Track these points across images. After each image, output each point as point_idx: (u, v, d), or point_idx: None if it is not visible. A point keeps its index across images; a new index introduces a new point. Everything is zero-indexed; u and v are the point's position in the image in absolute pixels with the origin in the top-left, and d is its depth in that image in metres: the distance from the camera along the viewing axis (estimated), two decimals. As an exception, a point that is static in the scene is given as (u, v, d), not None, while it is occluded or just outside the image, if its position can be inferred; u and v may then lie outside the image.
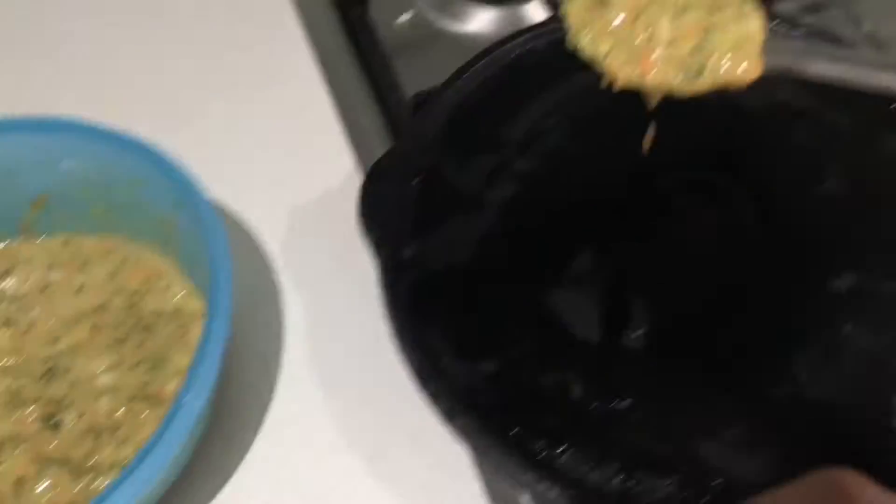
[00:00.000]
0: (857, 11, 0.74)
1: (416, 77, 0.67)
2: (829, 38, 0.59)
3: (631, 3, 0.44)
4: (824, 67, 0.41)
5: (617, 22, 0.44)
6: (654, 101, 0.45)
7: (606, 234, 0.53)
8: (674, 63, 0.43)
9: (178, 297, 0.54)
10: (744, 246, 0.53)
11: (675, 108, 0.45)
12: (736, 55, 0.43)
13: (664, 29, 0.43)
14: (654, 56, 0.43)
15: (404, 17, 0.74)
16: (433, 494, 0.50)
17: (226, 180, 0.63)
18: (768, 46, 0.43)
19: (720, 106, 0.57)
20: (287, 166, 0.64)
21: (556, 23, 0.61)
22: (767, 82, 0.57)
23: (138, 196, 0.52)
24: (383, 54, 0.68)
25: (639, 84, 0.44)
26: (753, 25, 0.44)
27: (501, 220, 0.53)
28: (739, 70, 0.43)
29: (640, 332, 0.49)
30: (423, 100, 0.60)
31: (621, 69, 0.44)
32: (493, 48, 0.61)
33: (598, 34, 0.44)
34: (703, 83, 0.43)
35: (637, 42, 0.44)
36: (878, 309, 0.49)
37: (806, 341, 0.49)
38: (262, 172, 0.64)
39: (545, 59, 0.61)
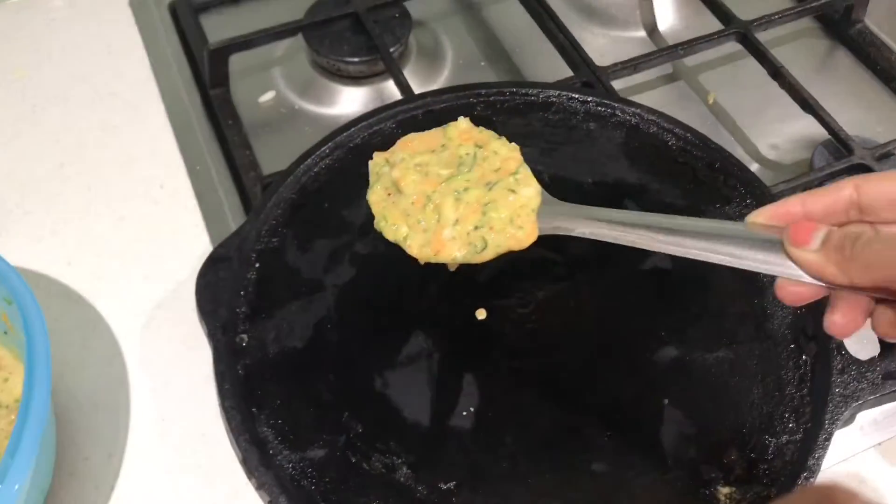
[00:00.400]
0: (702, 83, 0.79)
1: (275, 157, 0.68)
2: (670, 121, 0.63)
3: (420, 188, 0.49)
4: (589, 229, 0.45)
5: (409, 206, 0.49)
6: (452, 268, 0.49)
7: (439, 315, 0.55)
8: (460, 241, 0.48)
9: (19, 386, 0.54)
10: (571, 322, 0.55)
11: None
12: (513, 226, 0.48)
13: (449, 210, 0.48)
14: (444, 235, 0.48)
15: (266, 97, 0.75)
16: (272, 580, 0.50)
17: (81, 266, 0.63)
18: (541, 212, 0.48)
19: (556, 184, 0.60)
20: (143, 248, 0.64)
21: (405, 104, 0.64)
22: (598, 163, 0.61)
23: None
24: (243, 134, 0.69)
25: (436, 260, 0.48)
26: (525, 195, 0.49)
27: (338, 302, 0.55)
28: (516, 239, 0.48)
29: (469, 409, 0.51)
30: (269, 182, 0.62)
31: (420, 250, 0.48)
32: (339, 130, 0.63)
33: (396, 220, 0.49)
34: (487, 254, 0.48)
35: (429, 225, 0.48)
36: (695, 382, 0.52)
37: (625, 417, 0.51)
38: (119, 255, 0.64)
39: (390, 139, 0.63)
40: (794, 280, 0.36)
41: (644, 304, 0.56)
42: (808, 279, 0.36)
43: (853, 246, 0.34)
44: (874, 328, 0.36)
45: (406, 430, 0.50)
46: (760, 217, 0.38)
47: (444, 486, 0.48)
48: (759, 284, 0.55)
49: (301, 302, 0.55)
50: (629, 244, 0.43)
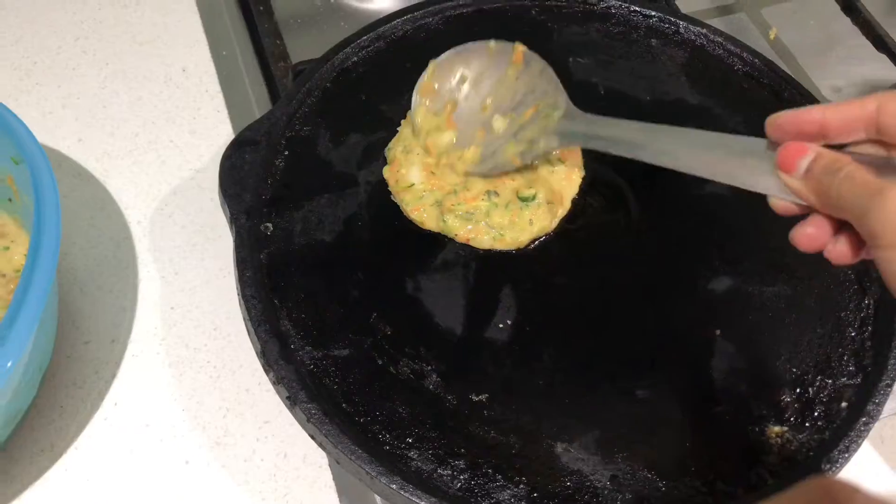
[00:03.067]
0: (763, 17, 0.74)
1: (307, 49, 0.63)
2: (737, 45, 0.58)
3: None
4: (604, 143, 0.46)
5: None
6: None
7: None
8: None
9: (20, 256, 0.50)
10: (624, 244, 0.51)
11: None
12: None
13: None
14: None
15: (302, -13, 0.70)
16: (280, 484, 0.47)
17: (93, 144, 0.59)
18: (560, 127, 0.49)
19: (610, 98, 0.56)
20: (160, 132, 0.60)
21: (454, 0, 0.59)
22: (658, 81, 0.56)
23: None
24: (274, 22, 0.64)
25: None
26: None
27: (370, 200, 0.51)
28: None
29: (507, 322, 0.47)
30: (303, 69, 0.57)
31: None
32: (383, 21, 0.58)
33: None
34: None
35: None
36: (749, 315, 0.48)
37: (674, 345, 0.48)
38: (132, 137, 0.60)
39: (436, 36, 0.58)
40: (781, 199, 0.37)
41: (699, 230, 0.52)
42: (793, 199, 0.36)
43: (831, 179, 0.34)
44: (828, 251, 0.36)
45: (438, 337, 0.46)
46: (779, 119, 0.37)
47: (474, 398, 0.44)
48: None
49: (331, 195, 0.51)
50: (622, 154, 0.44)
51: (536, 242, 0.50)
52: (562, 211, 0.51)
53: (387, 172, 0.52)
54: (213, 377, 0.50)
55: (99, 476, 0.46)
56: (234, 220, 0.48)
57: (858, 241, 0.35)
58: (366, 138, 0.53)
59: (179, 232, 0.55)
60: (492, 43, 0.52)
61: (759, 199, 0.52)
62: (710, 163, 0.40)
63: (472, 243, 0.50)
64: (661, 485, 0.43)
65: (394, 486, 0.40)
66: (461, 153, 0.51)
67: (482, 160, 0.51)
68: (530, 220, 0.50)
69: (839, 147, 0.36)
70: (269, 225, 0.49)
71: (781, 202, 0.37)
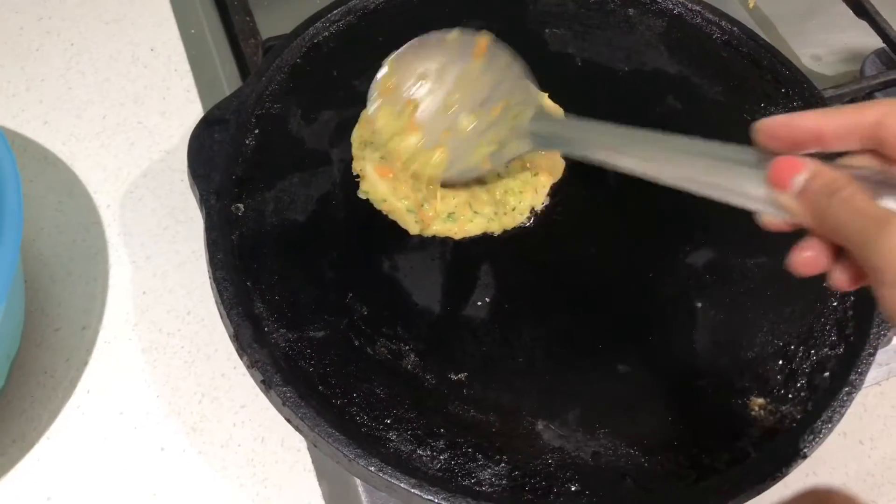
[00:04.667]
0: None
1: (277, 26, 0.61)
2: (716, 13, 0.57)
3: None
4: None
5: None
6: None
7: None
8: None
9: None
10: (603, 219, 0.50)
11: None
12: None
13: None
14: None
15: (271, -39, 0.68)
16: (259, 469, 0.46)
17: (59, 126, 0.57)
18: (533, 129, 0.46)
19: (587, 69, 0.55)
20: (128, 113, 0.58)
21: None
22: (636, 51, 0.55)
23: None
24: (244, -2, 0.63)
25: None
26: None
27: (344, 178, 0.50)
28: None
29: (485, 300, 0.46)
30: (273, 45, 0.56)
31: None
32: (354, -5, 0.57)
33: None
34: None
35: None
36: (730, 287, 0.48)
37: (656, 320, 0.47)
38: (100, 119, 0.58)
39: (409, 9, 0.57)
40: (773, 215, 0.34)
41: (679, 203, 0.50)
42: (784, 216, 0.33)
43: (829, 201, 0.31)
44: (829, 276, 0.33)
45: (415, 316, 0.45)
46: (769, 126, 0.34)
47: (453, 377, 0.44)
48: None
49: (304, 174, 0.49)
50: (600, 162, 0.41)
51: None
52: (547, 181, 0.50)
53: (355, 167, 0.50)
54: (187, 362, 0.49)
55: (72, 465, 0.45)
56: (203, 202, 0.47)
57: (859, 268, 0.32)
58: (338, 115, 0.52)
59: (150, 215, 0.54)
60: (453, 33, 0.49)
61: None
62: (695, 175, 0.37)
63: (459, 236, 0.49)
64: (643, 460, 0.42)
65: (372, 468, 0.40)
66: (428, 157, 0.48)
67: (450, 164, 0.48)
68: (518, 201, 0.49)
69: (831, 156, 0.33)
70: (241, 206, 0.47)
71: (772, 219, 0.35)
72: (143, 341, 0.50)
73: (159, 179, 0.56)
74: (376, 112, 0.49)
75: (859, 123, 0.32)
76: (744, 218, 0.50)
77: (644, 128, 0.39)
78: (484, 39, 0.48)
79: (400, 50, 0.49)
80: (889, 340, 0.49)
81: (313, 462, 0.46)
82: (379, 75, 0.49)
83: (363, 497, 0.45)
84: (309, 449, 0.47)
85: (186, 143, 0.50)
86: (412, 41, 0.50)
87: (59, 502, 0.44)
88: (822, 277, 0.47)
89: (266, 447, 0.47)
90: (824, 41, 0.68)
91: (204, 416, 0.47)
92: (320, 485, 0.46)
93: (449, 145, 0.48)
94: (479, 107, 0.48)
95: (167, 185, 0.55)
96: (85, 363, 0.49)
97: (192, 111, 0.58)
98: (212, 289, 0.45)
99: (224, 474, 0.46)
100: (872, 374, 0.50)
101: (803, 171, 0.32)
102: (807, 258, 0.33)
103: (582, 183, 0.51)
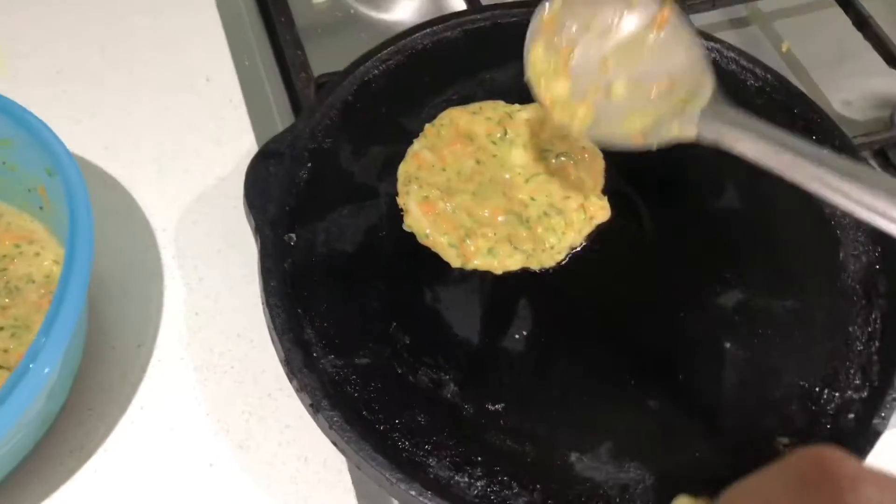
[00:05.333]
0: (776, 30, 0.75)
1: (327, 60, 0.64)
2: (751, 60, 0.59)
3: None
4: (754, 149, 0.40)
5: None
6: None
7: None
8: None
9: (49, 262, 0.52)
10: (636, 257, 0.52)
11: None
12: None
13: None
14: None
15: (321, -1, 0.72)
16: (301, 487, 0.48)
17: (118, 152, 0.60)
18: (705, 113, 0.43)
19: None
20: (184, 141, 0.61)
21: (472, 14, 0.60)
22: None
23: (8, 158, 0.49)
24: (295, 33, 0.66)
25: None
26: None
27: (390, 211, 0.52)
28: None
29: (523, 333, 0.49)
30: (325, 82, 0.58)
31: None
32: (403, 35, 0.59)
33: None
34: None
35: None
36: (758, 329, 0.50)
37: (685, 358, 0.49)
38: (158, 145, 0.61)
39: (456, 49, 0.60)
40: None
41: (711, 243, 0.53)
42: None
43: None
44: None
45: (455, 346, 0.48)
46: None
47: (491, 408, 0.46)
48: (834, 235, 0.52)
49: (353, 206, 0.52)
50: (798, 181, 0.38)
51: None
52: (592, 223, 0.52)
53: (400, 202, 0.53)
54: (236, 381, 0.52)
55: (126, 477, 0.48)
56: (258, 231, 0.50)
57: None
58: (386, 150, 0.54)
59: (203, 239, 0.57)
60: None
61: (770, 214, 0.54)
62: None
63: (499, 270, 0.51)
64: (671, 496, 0.44)
65: (413, 492, 0.42)
66: (574, 109, 0.46)
67: (593, 124, 0.46)
68: (558, 240, 0.51)
69: None
70: (293, 235, 0.50)
71: None
72: (194, 360, 0.52)
73: (213, 205, 0.58)
74: (532, 44, 0.47)
75: None
76: (772, 261, 0.52)
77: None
78: (668, 10, 0.45)
79: None
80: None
81: (353, 483, 0.49)
82: (543, 9, 0.47)
83: (401, 518, 0.47)
84: (350, 470, 0.49)
85: (239, 170, 0.53)
86: None
87: (115, 512, 0.47)
88: (847, 321, 0.50)
89: (309, 467, 0.49)
90: (856, 86, 0.70)
91: (250, 435, 0.50)
92: (360, 505, 0.48)
93: (596, 105, 0.46)
94: (639, 79, 0.46)
95: (220, 211, 0.58)
96: (139, 380, 0.51)
97: (246, 141, 0.61)
98: (264, 314, 0.47)
99: (269, 491, 0.48)
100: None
101: None
102: None
103: (618, 223, 0.53)
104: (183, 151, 0.61)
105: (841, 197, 0.36)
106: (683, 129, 0.44)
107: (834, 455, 0.33)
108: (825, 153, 0.38)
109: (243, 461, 0.49)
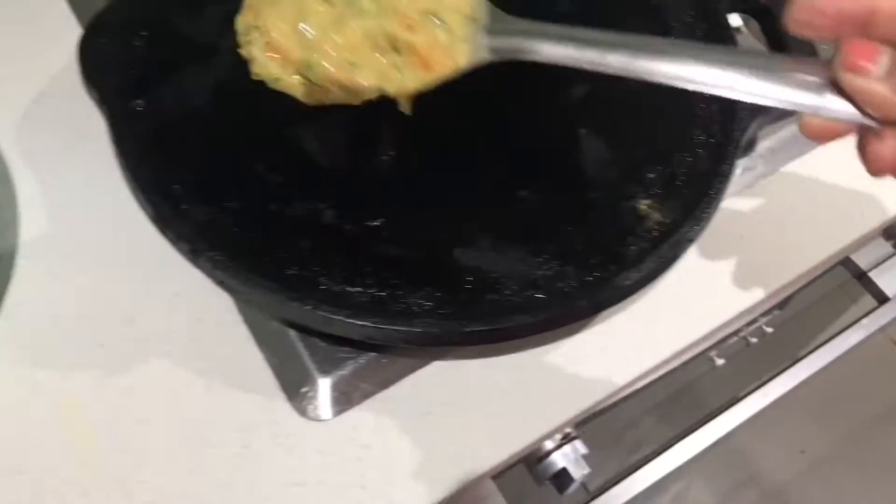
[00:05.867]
0: None
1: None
2: None
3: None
4: (558, 52, 0.38)
5: None
6: None
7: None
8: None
9: None
10: (494, 67, 0.54)
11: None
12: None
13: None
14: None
15: None
16: (201, 346, 0.48)
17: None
18: (490, 30, 0.41)
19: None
20: (7, 47, 0.58)
21: None
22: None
23: None
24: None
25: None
26: None
27: (239, 64, 0.51)
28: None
29: (390, 153, 0.50)
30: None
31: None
32: None
33: None
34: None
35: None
36: (608, 111, 0.52)
37: (547, 150, 0.51)
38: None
39: None
40: (830, 117, 0.30)
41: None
42: (855, 116, 0.29)
43: None
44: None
45: (326, 176, 0.48)
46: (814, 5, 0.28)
47: (371, 223, 0.47)
48: (661, 22, 0.56)
49: (197, 66, 0.51)
50: (610, 72, 0.37)
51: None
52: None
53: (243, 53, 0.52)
54: (113, 264, 0.51)
55: (12, 375, 0.46)
56: (103, 102, 0.48)
57: None
58: (221, 6, 0.53)
59: (51, 138, 0.55)
60: None
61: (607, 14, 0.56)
62: (733, 81, 0.33)
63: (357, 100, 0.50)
64: (547, 269, 0.46)
65: (308, 307, 0.42)
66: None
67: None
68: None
69: None
70: (140, 101, 0.49)
71: (823, 124, 0.30)
72: (65, 252, 0.51)
73: (55, 102, 0.56)
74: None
75: None
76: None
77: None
78: None
79: None
80: (753, 144, 0.55)
81: (251, 330, 0.49)
82: None
83: (303, 350, 0.48)
84: (245, 321, 0.49)
85: (72, 65, 0.51)
86: None
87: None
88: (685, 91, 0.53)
89: (204, 326, 0.49)
90: None
91: (139, 309, 0.49)
92: (261, 350, 0.48)
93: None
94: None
95: (66, 106, 0.56)
96: (7, 280, 0.49)
97: (73, 34, 0.58)
98: (125, 178, 0.46)
99: (168, 357, 0.48)
100: (744, 180, 0.56)
101: (885, 51, 0.27)
102: (888, 155, 0.28)
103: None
104: (9, 55, 0.58)
105: (658, 77, 0.35)
106: (477, 53, 0.42)
107: None
108: (625, 38, 0.37)
109: (135, 335, 0.48)
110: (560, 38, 0.38)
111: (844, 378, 1.42)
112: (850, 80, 0.28)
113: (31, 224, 0.52)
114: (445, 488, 0.46)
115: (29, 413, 0.46)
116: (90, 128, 0.54)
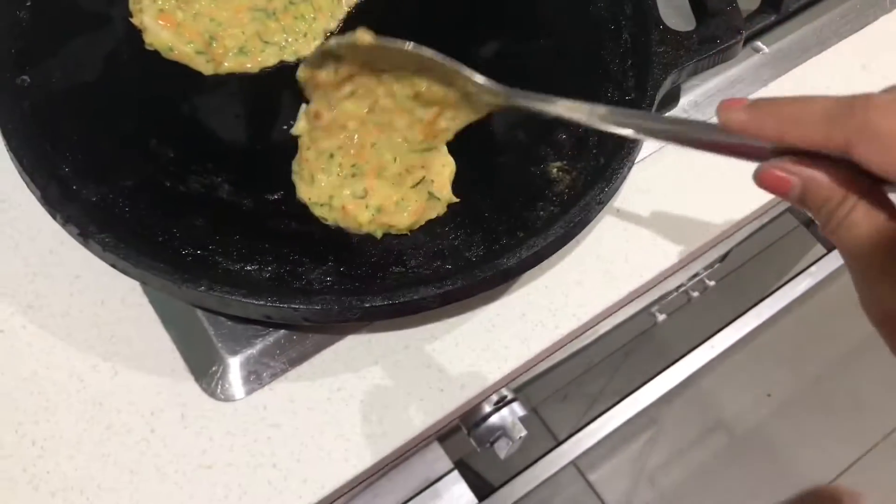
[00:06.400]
0: None
1: None
2: None
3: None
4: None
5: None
6: None
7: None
8: None
9: None
10: (395, 29, 0.51)
11: None
12: None
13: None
14: None
15: None
16: (103, 329, 0.47)
17: None
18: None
19: None
20: None
21: None
22: None
23: None
24: None
25: None
26: None
27: (130, 33, 0.49)
28: None
29: (290, 122, 0.48)
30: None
31: None
32: None
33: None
34: None
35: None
36: (518, 72, 0.51)
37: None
38: None
39: None
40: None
41: (464, 3, 0.53)
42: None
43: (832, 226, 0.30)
44: None
45: (223, 149, 0.47)
46: (733, 106, 0.31)
47: (270, 197, 0.45)
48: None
49: (86, 37, 0.49)
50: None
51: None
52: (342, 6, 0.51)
53: (135, 21, 0.50)
54: (11, 247, 0.49)
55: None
56: (-17, 81, 0.46)
57: None
58: (111, -24, 0.51)
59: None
60: None
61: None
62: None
63: (256, 68, 0.49)
64: (453, 238, 0.45)
65: (202, 288, 0.41)
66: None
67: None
68: (309, 26, 0.50)
69: None
70: (25, 77, 0.47)
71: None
72: (-41, 238, 0.49)
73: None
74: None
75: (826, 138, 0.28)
76: (523, 9, 0.53)
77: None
78: (362, 33, 0.41)
79: None
80: (676, 98, 0.54)
81: (156, 311, 0.48)
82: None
83: (210, 330, 0.46)
84: (151, 302, 0.48)
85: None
86: None
87: None
88: (600, 47, 0.51)
89: (108, 308, 0.47)
90: None
91: (39, 293, 0.48)
92: (167, 330, 0.47)
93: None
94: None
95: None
96: None
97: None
98: (11, 160, 0.44)
99: (70, 340, 0.46)
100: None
101: (794, 186, 0.30)
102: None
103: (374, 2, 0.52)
104: None
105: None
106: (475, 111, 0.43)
107: (850, 495, 0.33)
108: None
109: (36, 319, 0.47)
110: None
111: (806, 322, 1.43)
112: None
113: (-76, 209, 0.49)
114: (359, 464, 0.45)
115: (-76, 406, 0.44)
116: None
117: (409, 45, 0.40)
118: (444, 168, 0.46)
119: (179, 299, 0.43)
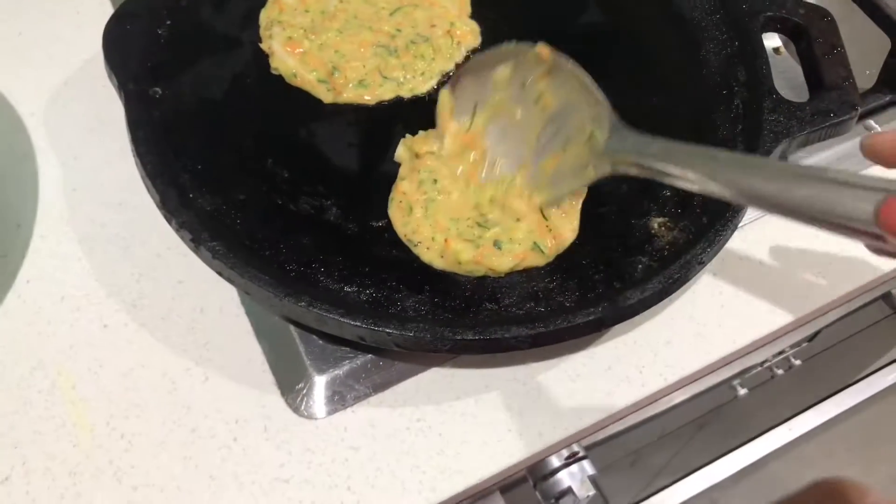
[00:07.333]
0: None
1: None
2: None
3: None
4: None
5: None
6: None
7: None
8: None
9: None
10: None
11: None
12: None
13: None
14: None
15: None
16: (199, 336, 0.48)
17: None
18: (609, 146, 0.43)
19: None
20: (43, 28, 0.60)
21: None
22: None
23: None
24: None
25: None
26: None
27: (257, 57, 0.52)
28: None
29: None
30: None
31: None
32: None
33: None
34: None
35: None
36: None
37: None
38: (17, 35, 0.59)
39: None
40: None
41: (578, 55, 0.54)
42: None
43: None
44: None
45: (334, 175, 0.48)
46: (879, 141, 0.31)
47: (375, 224, 0.47)
48: (693, 35, 0.54)
49: (217, 57, 0.52)
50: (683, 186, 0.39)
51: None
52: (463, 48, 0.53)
53: (263, 46, 0.52)
54: (122, 248, 0.51)
55: (21, 346, 0.47)
56: (122, 87, 0.49)
57: None
58: (246, 2, 0.54)
59: (75, 120, 0.56)
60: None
61: (631, 24, 0.55)
62: (800, 201, 0.33)
63: (373, 101, 0.51)
64: (550, 281, 0.45)
65: (303, 304, 0.42)
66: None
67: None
68: (428, 66, 0.52)
69: None
70: (158, 89, 0.49)
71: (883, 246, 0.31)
72: (77, 233, 0.51)
73: (81, 87, 0.57)
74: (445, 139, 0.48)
75: None
76: (637, 66, 0.53)
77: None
78: (542, 47, 0.46)
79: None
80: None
81: (252, 323, 0.49)
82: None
83: (300, 347, 0.47)
84: (247, 313, 0.49)
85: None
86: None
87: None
88: (710, 110, 0.51)
89: (206, 316, 0.49)
90: None
91: (143, 294, 0.50)
92: (259, 343, 0.48)
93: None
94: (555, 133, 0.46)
95: (89, 91, 0.57)
96: (23, 256, 0.50)
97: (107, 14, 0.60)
98: (136, 165, 0.47)
99: (167, 343, 0.48)
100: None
101: None
102: None
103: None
104: (43, 39, 0.59)
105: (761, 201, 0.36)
106: (598, 169, 0.44)
107: (855, 487, 0.33)
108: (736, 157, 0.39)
109: (138, 318, 0.49)
110: (667, 158, 0.40)
111: (888, 417, 1.37)
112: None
113: (49, 203, 0.52)
114: (432, 497, 0.45)
115: (27, 389, 0.46)
116: (112, 113, 0.55)
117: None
118: (570, 234, 0.47)
119: (277, 313, 0.44)
